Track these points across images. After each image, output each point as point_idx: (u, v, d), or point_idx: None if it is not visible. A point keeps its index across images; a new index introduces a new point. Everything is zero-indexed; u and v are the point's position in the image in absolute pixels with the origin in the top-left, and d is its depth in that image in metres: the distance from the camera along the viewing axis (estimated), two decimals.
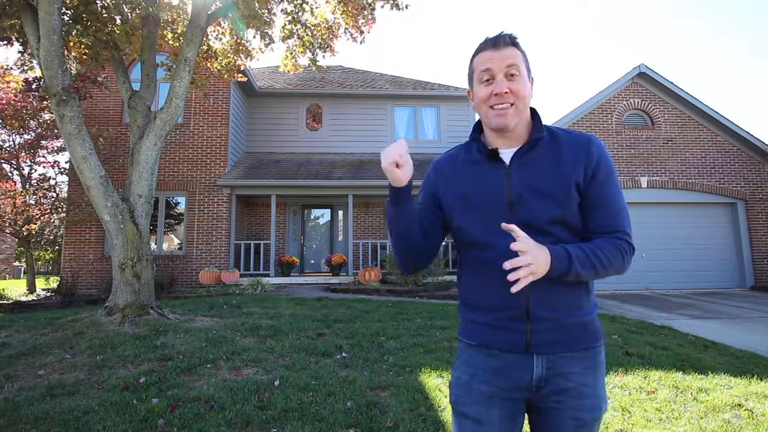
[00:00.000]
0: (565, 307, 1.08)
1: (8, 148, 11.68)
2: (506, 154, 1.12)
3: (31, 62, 6.83)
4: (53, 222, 12.99)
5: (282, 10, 7.53)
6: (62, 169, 12.56)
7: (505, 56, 1.09)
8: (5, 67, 10.55)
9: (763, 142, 10.41)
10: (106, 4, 6.32)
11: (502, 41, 1.10)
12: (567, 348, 1.07)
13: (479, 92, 1.12)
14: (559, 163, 1.09)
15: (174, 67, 6.56)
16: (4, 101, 10.39)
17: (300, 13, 7.55)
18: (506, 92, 1.07)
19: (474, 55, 1.14)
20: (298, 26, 7.67)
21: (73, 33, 6.02)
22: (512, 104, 1.08)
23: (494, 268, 1.03)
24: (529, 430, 1.15)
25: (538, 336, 1.06)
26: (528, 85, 1.11)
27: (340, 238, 12.35)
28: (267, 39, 7.37)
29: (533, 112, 1.16)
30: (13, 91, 10.31)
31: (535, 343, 1.06)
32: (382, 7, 7.38)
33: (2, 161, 12.26)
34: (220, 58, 8.04)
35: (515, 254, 0.97)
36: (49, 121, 11.12)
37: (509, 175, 1.10)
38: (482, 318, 1.11)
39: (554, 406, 1.07)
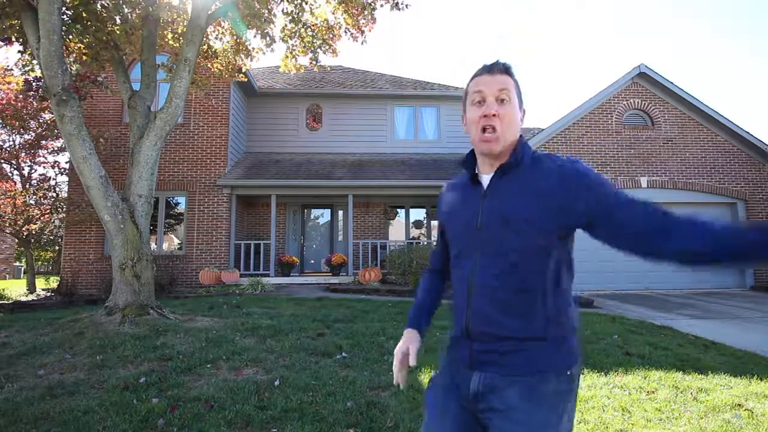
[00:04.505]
0: (507, 325, 1.05)
1: (8, 148, 11.66)
2: (487, 179, 1.15)
3: (32, 62, 6.83)
4: (53, 222, 12.98)
5: (282, 11, 7.53)
6: (62, 169, 12.54)
7: (498, 81, 1.12)
8: (6, 67, 10.55)
9: (763, 142, 10.40)
10: (106, 4, 6.32)
11: (497, 68, 1.14)
12: (501, 370, 1.04)
13: (470, 114, 1.15)
14: (536, 192, 1.05)
15: (174, 67, 6.56)
16: (4, 101, 10.38)
17: (300, 14, 7.54)
18: (494, 114, 1.10)
19: (470, 81, 1.18)
20: (299, 26, 7.67)
21: (73, 33, 6.02)
22: (500, 130, 1.10)
23: (460, 284, 1.13)
24: None
25: (478, 355, 1.08)
26: (517, 112, 1.13)
27: (340, 238, 12.35)
28: (268, 39, 7.37)
29: (520, 140, 1.15)
30: (13, 92, 10.30)
31: (476, 361, 1.08)
32: (382, 6, 7.38)
33: (2, 161, 12.25)
34: (220, 58, 8.04)
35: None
36: (49, 121, 11.11)
37: (484, 198, 1.12)
38: (453, 327, 1.17)
39: (487, 423, 1.06)
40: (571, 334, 1.08)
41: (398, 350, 1.26)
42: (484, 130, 1.10)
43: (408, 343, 1.27)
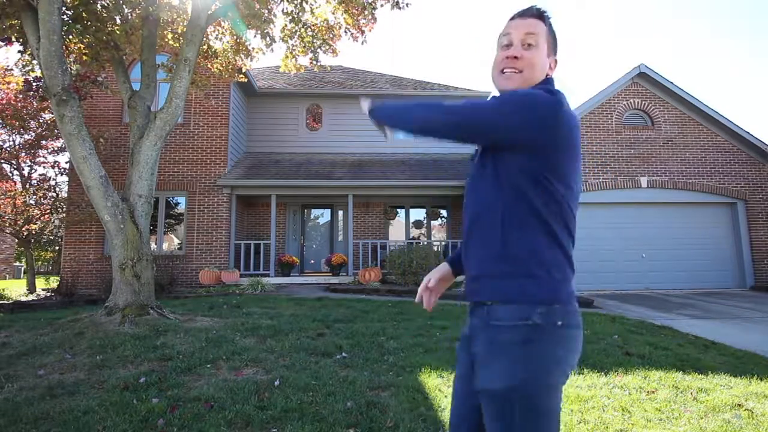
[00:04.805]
0: (477, 255, 1.09)
1: (8, 148, 11.66)
2: None
3: (32, 62, 6.83)
4: (53, 222, 12.97)
5: (282, 11, 7.53)
6: (62, 170, 12.54)
7: (527, 24, 1.14)
8: (6, 67, 10.55)
9: (763, 142, 10.41)
10: (106, 4, 6.32)
11: (529, 12, 1.16)
12: (471, 296, 1.10)
13: (497, 55, 1.18)
14: None
15: (174, 67, 6.56)
16: (4, 101, 10.38)
17: (300, 14, 7.54)
18: (516, 57, 1.12)
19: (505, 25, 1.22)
20: (299, 26, 7.67)
21: (73, 33, 6.02)
22: (520, 71, 1.12)
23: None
24: None
25: (466, 286, 1.14)
26: (541, 57, 1.14)
27: (340, 238, 12.35)
28: (268, 39, 7.36)
29: (541, 83, 1.14)
30: (13, 92, 10.30)
31: (466, 293, 1.14)
32: (382, 6, 7.38)
33: (2, 161, 12.25)
34: (220, 58, 8.04)
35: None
36: (49, 121, 11.11)
37: None
38: None
39: None
40: (531, 277, 1.02)
41: (426, 276, 1.33)
42: (502, 71, 1.14)
43: (436, 272, 1.33)
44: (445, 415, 2.63)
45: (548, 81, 1.16)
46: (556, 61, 1.18)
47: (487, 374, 1.01)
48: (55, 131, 10.96)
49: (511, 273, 1.03)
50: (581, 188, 1.13)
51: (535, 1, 1.21)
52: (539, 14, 1.15)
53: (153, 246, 10.14)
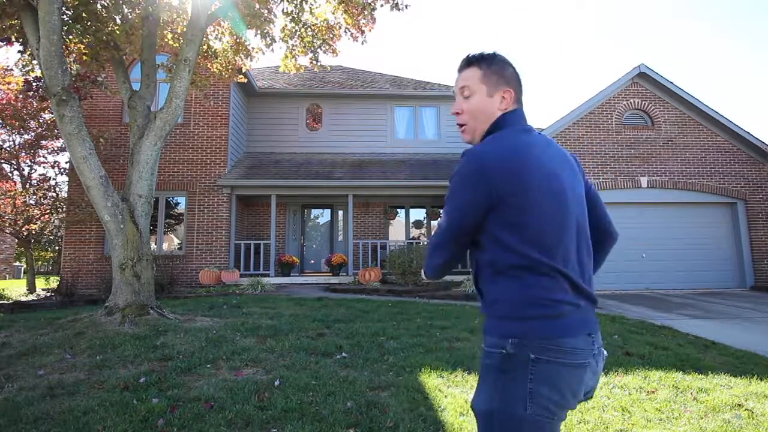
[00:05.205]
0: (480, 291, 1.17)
1: (8, 148, 11.66)
2: None
3: (32, 62, 6.83)
4: (53, 222, 12.97)
5: (282, 10, 7.54)
6: (62, 169, 12.55)
7: (461, 78, 1.21)
8: (6, 67, 10.55)
9: (763, 142, 10.40)
10: (106, 4, 6.32)
11: (462, 64, 1.22)
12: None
13: None
14: None
15: (174, 67, 6.57)
16: (4, 101, 10.38)
17: (300, 14, 7.54)
18: (458, 112, 1.21)
19: None
20: (299, 26, 7.67)
21: (73, 33, 6.02)
22: (467, 124, 1.20)
23: None
24: None
25: None
26: (483, 101, 1.16)
27: (340, 238, 12.35)
28: (268, 39, 7.37)
29: (494, 125, 1.16)
30: (14, 92, 10.30)
31: None
32: (382, 6, 7.38)
33: (2, 161, 12.25)
34: (220, 58, 8.04)
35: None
36: (49, 121, 11.11)
37: None
38: None
39: None
40: (503, 315, 1.07)
41: None
42: (458, 125, 1.24)
43: None
44: (445, 415, 2.63)
45: (504, 117, 1.16)
46: (508, 91, 1.16)
47: (475, 393, 1.10)
48: (55, 131, 10.97)
49: (489, 314, 1.11)
50: (565, 199, 1.08)
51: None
52: (469, 62, 1.19)
53: (153, 246, 10.14)
